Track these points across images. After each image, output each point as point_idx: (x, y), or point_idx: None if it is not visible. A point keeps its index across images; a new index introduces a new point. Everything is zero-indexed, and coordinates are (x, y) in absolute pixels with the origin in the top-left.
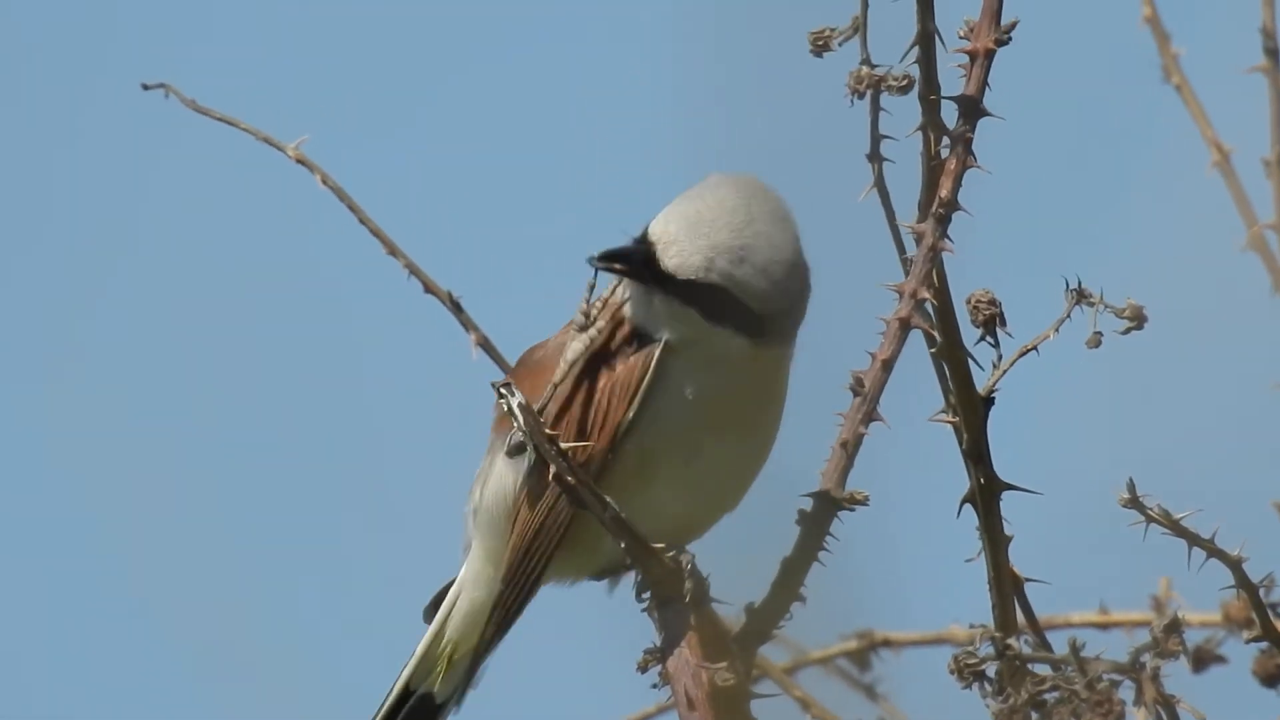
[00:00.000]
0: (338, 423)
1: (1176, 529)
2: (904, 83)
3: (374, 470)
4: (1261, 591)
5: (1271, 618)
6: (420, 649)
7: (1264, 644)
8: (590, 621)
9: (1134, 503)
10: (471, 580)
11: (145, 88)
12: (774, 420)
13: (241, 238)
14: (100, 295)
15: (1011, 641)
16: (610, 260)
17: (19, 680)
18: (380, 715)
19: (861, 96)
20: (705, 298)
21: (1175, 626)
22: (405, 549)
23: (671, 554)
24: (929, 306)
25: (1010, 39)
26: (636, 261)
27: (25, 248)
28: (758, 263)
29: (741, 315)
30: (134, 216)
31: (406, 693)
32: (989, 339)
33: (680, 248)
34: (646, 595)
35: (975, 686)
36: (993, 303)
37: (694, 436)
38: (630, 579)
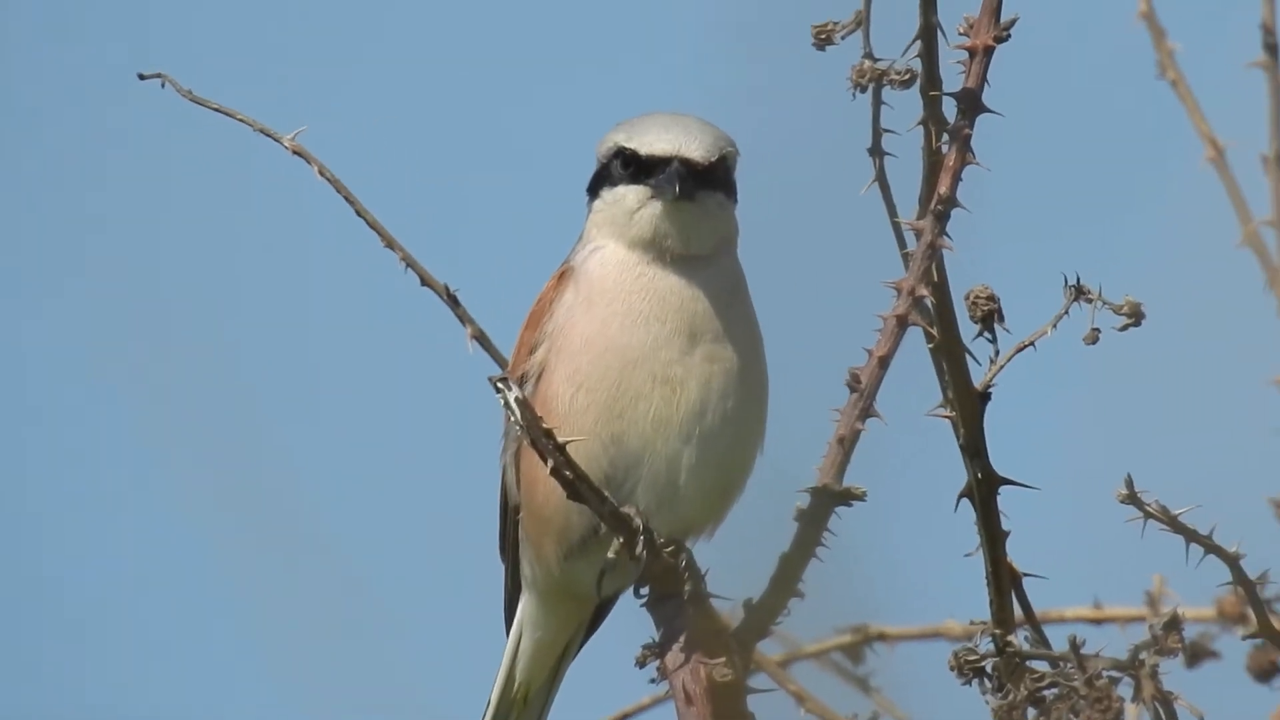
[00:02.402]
0: (329, 416)
1: (1174, 525)
2: (906, 77)
3: (365, 463)
4: (1258, 588)
5: (1267, 613)
6: (494, 697)
7: (1259, 640)
8: None
9: (1132, 498)
10: (530, 623)
11: (142, 77)
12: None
13: (237, 229)
14: (88, 283)
15: (1011, 637)
16: (680, 183)
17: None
18: None
19: (864, 90)
20: (718, 175)
21: (1175, 623)
22: (404, 541)
23: (670, 549)
24: (927, 303)
25: (1009, 36)
26: (685, 175)
27: (15, 235)
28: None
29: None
30: (128, 207)
31: None
32: (987, 335)
33: (693, 140)
34: (645, 590)
35: (975, 682)
36: (991, 298)
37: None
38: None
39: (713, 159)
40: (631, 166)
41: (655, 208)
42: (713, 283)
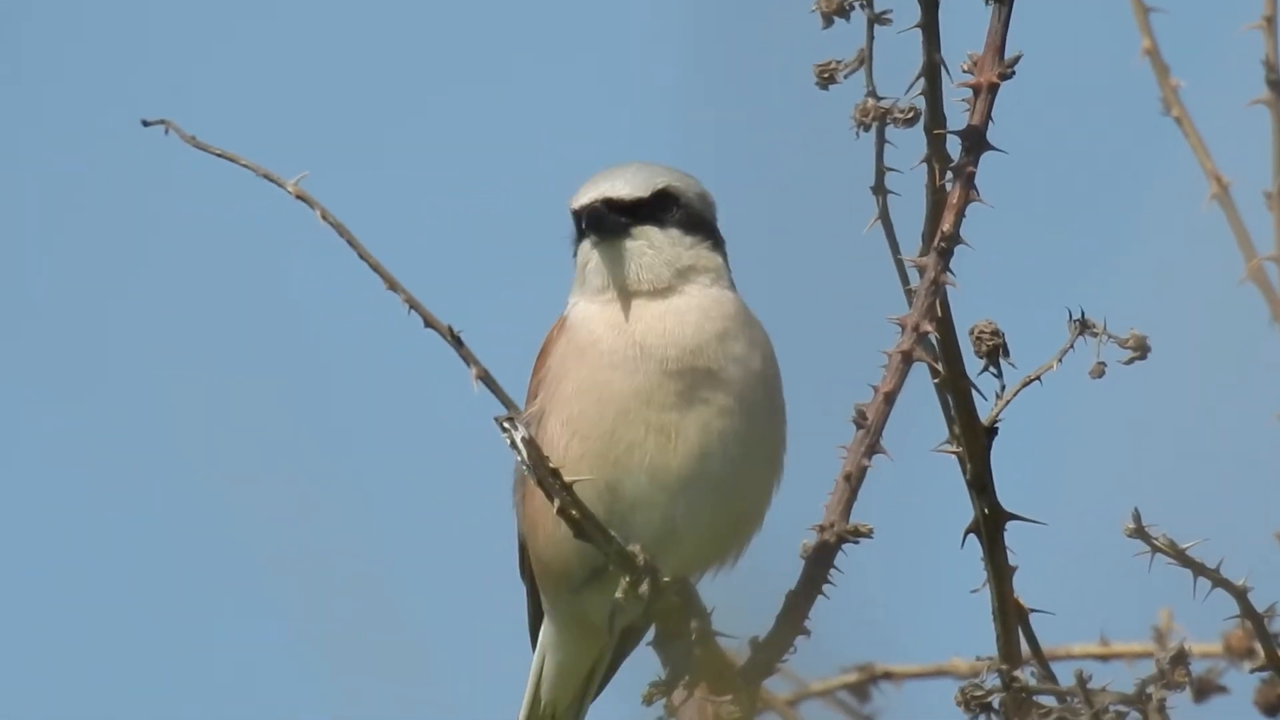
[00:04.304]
0: (336, 457)
1: (1182, 559)
2: (909, 115)
3: (371, 507)
4: (1266, 621)
5: (1275, 647)
6: (523, 715)
7: (1266, 674)
8: None
9: (1139, 532)
10: (551, 646)
11: (145, 124)
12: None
13: (242, 274)
14: (99, 331)
15: (1017, 673)
16: (602, 221)
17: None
18: None
19: (867, 129)
20: (664, 210)
21: (1181, 658)
22: (406, 585)
23: (676, 587)
24: (932, 339)
25: (1013, 73)
26: (602, 214)
27: (21, 287)
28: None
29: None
30: (134, 253)
31: None
32: (992, 369)
33: (619, 180)
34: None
35: (981, 718)
36: (996, 333)
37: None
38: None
39: (643, 194)
40: (578, 223)
41: (595, 255)
42: (699, 320)
